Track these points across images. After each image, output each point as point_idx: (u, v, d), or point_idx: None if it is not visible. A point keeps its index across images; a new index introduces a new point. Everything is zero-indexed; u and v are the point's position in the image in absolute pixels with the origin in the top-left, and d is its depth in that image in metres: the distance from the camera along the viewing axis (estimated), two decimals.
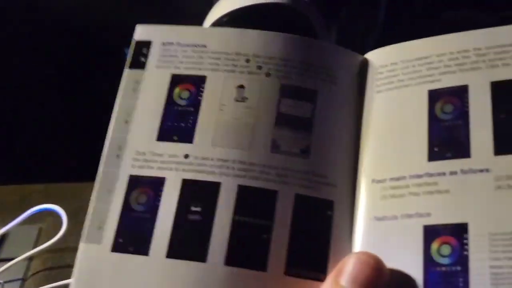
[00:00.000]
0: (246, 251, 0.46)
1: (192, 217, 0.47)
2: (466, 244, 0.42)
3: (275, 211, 0.47)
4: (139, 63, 0.54)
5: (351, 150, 0.50)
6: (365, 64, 0.54)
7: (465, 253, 0.42)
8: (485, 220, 0.43)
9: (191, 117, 0.51)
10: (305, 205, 0.48)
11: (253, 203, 0.48)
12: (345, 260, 0.43)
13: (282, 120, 0.51)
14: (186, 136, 0.51)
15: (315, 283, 0.44)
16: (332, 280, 0.42)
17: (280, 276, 0.45)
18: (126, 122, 0.52)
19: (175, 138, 0.51)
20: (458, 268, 0.42)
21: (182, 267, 0.45)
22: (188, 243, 0.46)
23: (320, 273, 0.45)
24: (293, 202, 0.48)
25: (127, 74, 0.54)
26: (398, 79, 0.51)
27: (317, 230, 0.47)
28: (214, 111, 0.52)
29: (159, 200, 0.48)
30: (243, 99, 0.52)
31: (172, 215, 0.48)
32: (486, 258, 0.41)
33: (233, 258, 0.46)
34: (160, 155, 0.50)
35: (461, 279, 0.41)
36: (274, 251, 0.46)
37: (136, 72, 0.54)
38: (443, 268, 0.42)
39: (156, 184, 0.49)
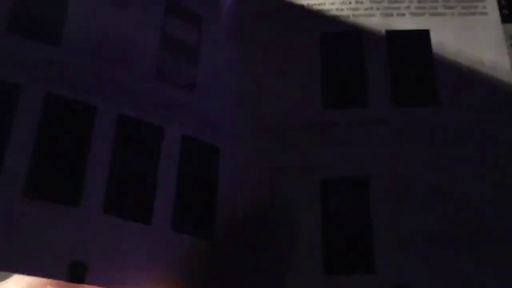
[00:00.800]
0: (127, 199, 0.38)
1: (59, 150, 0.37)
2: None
3: (160, 153, 0.40)
4: None
5: (246, 96, 0.45)
6: None
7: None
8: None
9: None
10: (192, 150, 0.41)
11: (136, 140, 0.39)
12: None
13: (168, 42, 0.43)
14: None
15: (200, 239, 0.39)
16: None
17: (166, 230, 0.39)
18: None
19: None
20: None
21: (50, 211, 0.35)
22: (57, 183, 0.36)
23: (207, 230, 0.40)
24: (180, 144, 0.41)
25: None
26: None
27: (205, 178, 0.41)
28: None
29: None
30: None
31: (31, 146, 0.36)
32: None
33: (113, 205, 0.37)
34: None
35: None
36: (159, 201, 0.39)
37: None
38: None
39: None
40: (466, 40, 0.46)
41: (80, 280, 0.34)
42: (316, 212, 0.41)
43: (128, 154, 0.38)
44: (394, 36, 0.46)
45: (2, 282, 0.36)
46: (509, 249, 0.39)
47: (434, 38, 0.46)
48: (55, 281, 0.35)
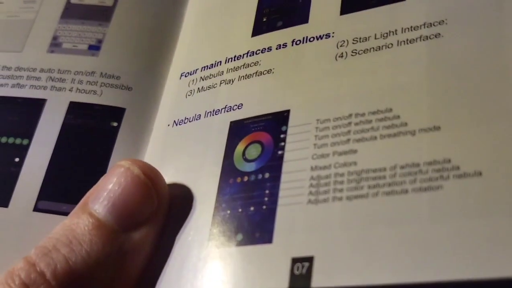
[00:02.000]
0: None
1: None
2: (283, 140, 0.27)
3: (36, 126, 0.33)
4: None
5: (163, 41, 0.36)
6: None
7: (280, 152, 0.27)
8: (313, 102, 0.28)
9: None
10: (81, 116, 0.33)
11: (12, 118, 0.33)
12: (106, 175, 0.28)
13: (72, 11, 0.37)
14: None
15: None
16: (81, 202, 0.28)
17: (27, 212, 0.30)
18: None
19: None
20: (266, 175, 0.27)
21: None
22: None
23: None
24: (65, 113, 0.33)
25: None
26: None
27: (92, 148, 0.32)
28: None
29: None
30: None
31: None
32: (307, 157, 0.26)
33: None
34: None
35: (267, 191, 0.26)
36: (23, 179, 0.31)
37: None
38: (245, 178, 0.27)
39: None
40: None
41: None
42: None
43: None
44: None
45: None
46: None
47: None
48: None
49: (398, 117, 0.25)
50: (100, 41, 0.35)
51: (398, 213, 0.23)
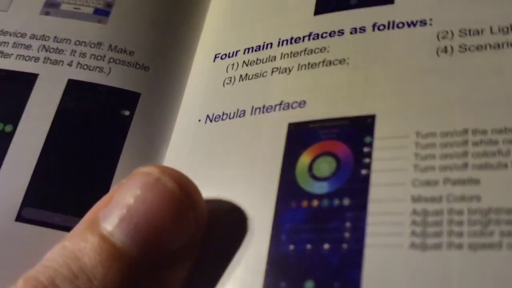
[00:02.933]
0: None
1: None
2: (368, 156, 0.20)
3: (24, 109, 0.25)
4: None
5: (189, 10, 0.28)
6: None
7: (364, 172, 0.20)
8: (410, 109, 0.20)
9: None
10: (81, 100, 0.25)
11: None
12: (125, 180, 0.20)
13: None
14: None
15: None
16: (88, 217, 0.20)
17: (8, 222, 0.22)
18: None
19: None
20: (346, 201, 0.19)
21: None
22: None
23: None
24: (61, 93, 0.25)
25: None
26: None
27: (96, 143, 0.24)
28: None
29: None
30: None
31: None
32: (406, 182, 0.19)
33: None
34: None
35: (348, 224, 0.19)
36: (3, 180, 0.23)
37: None
38: (315, 203, 0.20)
39: None
40: None
41: None
42: None
43: None
44: None
45: None
46: None
47: None
48: None
49: None
50: (109, 5, 0.28)
51: None
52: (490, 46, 0.21)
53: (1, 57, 0.26)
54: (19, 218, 0.23)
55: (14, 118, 0.25)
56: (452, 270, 0.17)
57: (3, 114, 0.25)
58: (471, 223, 0.18)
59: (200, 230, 0.20)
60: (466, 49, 0.21)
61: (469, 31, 0.22)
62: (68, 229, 0.21)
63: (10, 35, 0.27)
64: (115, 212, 0.19)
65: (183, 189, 0.19)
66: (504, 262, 0.17)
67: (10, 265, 0.22)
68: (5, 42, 0.27)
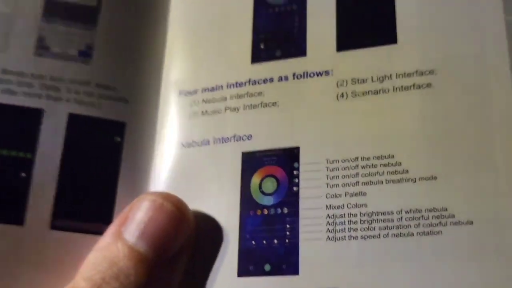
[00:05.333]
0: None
1: None
2: (296, 177, 0.31)
3: (38, 139, 0.33)
4: None
5: (152, 51, 0.37)
6: None
7: (295, 188, 0.31)
8: (321, 142, 0.31)
9: None
10: (83, 130, 0.34)
11: (6, 128, 0.33)
12: (134, 203, 0.30)
13: (54, 9, 0.36)
14: None
15: (95, 237, 0.31)
16: (113, 231, 0.30)
17: (44, 230, 0.32)
18: None
19: None
20: (285, 210, 0.31)
21: None
22: None
23: (101, 224, 0.32)
24: (66, 125, 0.34)
25: None
26: None
27: (100, 164, 0.33)
28: None
29: None
30: None
31: None
32: (321, 195, 0.30)
33: None
34: None
35: (288, 226, 0.30)
36: (35, 196, 0.32)
37: None
38: (265, 211, 0.31)
39: None
40: None
41: None
42: None
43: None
44: None
45: None
46: None
47: None
48: None
49: (400, 164, 0.30)
50: (89, 47, 0.35)
51: (406, 253, 0.28)
52: (372, 92, 0.32)
53: (10, 94, 0.34)
54: (53, 226, 0.32)
55: (31, 147, 0.33)
56: (352, 252, 0.29)
57: (21, 144, 0.33)
58: (362, 222, 0.29)
59: (191, 235, 0.30)
60: (356, 95, 0.32)
61: (358, 80, 0.32)
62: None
63: (13, 74, 0.34)
64: (135, 228, 0.29)
65: (179, 209, 0.30)
66: (380, 245, 0.29)
67: (50, 264, 0.31)
68: (9, 80, 0.34)
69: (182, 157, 0.33)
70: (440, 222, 0.29)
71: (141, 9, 0.37)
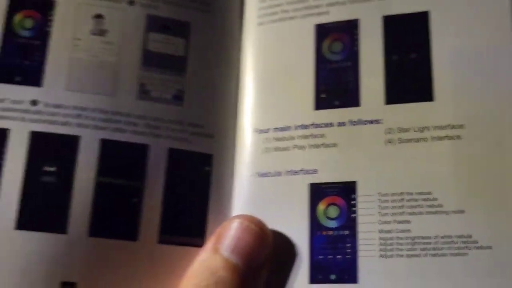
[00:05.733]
0: (113, 219, 0.40)
1: (46, 179, 0.40)
2: (354, 206, 0.40)
3: (146, 170, 0.41)
4: None
5: (231, 94, 0.45)
6: None
7: (353, 215, 0.39)
8: (374, 178, 0.40)
9: (38, 53, 0.43)
10: (180, 161, 0.42)
11: (120, 161, 0.41)
12: (226, 224, 0.39)
13: (150, 59, 0.44)
14: (33, 77, 0.42)
15: (193, 249, 0.40)
16: (211, 247, 0.38)
17: (153, 244, 0.40)
18: None
19: (18, 79, 0.42)
20: (346, 232, 0.39)
21: (38, 240, 0.39)
22: (43, 211, 0.40)
23: (198, 238, 0.41)
24: (167, 158, 0.42)
25: None
26: (282, 10, 0.45)
27: (195, 189, 0.42)
28: (67, 46, 0.43)
29: (2, 159, 0.40)
30: (101, 33, 0.44)
31: (20, 177, 0.40)
32: (375, 222, 0.39)
33: (98, 228, 0.40)
34: (0, 100, 0.42)
35: (348, 245, 0.39)
36: (146, 216, 0.41)
37: None
38: (330, 232, 0.40)
39: None
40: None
41: None
42: None
43: (113, 178, 0.41)
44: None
45: None
46: None
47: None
48: None
49: (436, 199, 0.39)
50: (181, 91, 0.43)
51: (441, 269, 0.37)
52: (414, 140, 0.40)
53: (121, 132, 0.42)
54: (160, 241, 0.40)
55: (140, 176, 0.41)
56: (400, 267, 0.38)
57: (132, 174, 0.41)
58: (407, 244, 0.38)
59: (271, 250, 0.39)
60: (401, 141, 0.40)
61: (403, 129, 0.41)
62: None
63: (121, 115, 0.42)
64: (229, 244, 0.37)
65: (261, 229, 0.38)
66: (421, 262, 0.38)
67: (159, 277, 0.40)
68: (119, 120, 0.42)
69: (259, 184, 0.42)
70: (466, 246, 0.37)
71: (220, 59, 0.45)
